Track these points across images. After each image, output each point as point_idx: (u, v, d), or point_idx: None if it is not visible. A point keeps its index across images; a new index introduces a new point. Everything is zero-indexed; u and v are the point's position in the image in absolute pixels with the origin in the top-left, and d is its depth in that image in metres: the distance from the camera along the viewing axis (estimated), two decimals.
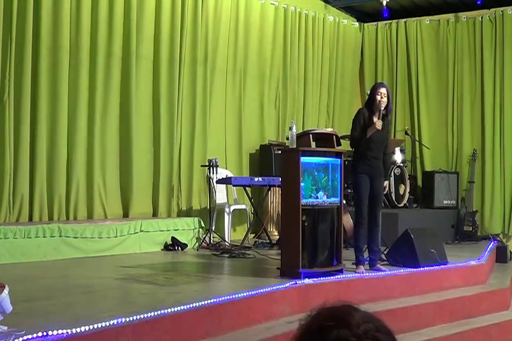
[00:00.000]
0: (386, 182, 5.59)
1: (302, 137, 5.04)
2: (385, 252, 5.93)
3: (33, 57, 6.28)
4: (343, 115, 9.87)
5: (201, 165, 7.54)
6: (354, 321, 1.16)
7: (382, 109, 5.31)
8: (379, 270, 5.37)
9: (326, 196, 4.99)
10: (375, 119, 5.32)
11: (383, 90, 5.39)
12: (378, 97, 5.34)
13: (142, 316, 3.33)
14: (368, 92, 5.64)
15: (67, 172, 6.58)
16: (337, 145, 5.19)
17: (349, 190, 7.80)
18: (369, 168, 5.37)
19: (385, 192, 5.75)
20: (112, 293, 4.28)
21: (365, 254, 5.50)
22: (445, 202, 8.98)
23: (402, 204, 8.48)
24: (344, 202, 6.11)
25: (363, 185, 5.35)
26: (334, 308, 1.22)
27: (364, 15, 10.39)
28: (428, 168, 9.52)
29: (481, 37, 9.33)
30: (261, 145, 8.51)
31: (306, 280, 4.70)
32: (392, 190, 8.37)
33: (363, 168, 5.36)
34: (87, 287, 4.37)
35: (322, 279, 4.82)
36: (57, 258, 5.70)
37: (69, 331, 2.95)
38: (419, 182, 9.57)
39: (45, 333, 2.89)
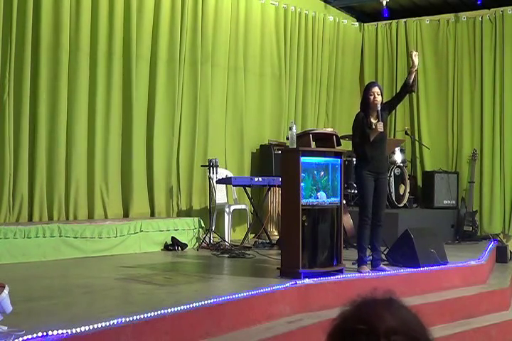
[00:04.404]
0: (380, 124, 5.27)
1: (302, 137, 5.04)
2: (385, 252, 5.93)
3: (33, 57, 6.28)
4: (343, 115, 9.87)
5: (201, 165, 7.54)
6: (384, 328, 1.16)
7: (379, 109, 5.28)
8: (383, 270, 5.37)
9: (325, 195, 4.99)
10: (373, 121, 5.31)
11: (375, 89, 5.34)
12: (371, 97, 5.31)
13: (142, 316, 3.33)
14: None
15: (66, 172, 6.59)
16: (337, 145, 5.19)
17: (349, 190, 7.80)
18: (373, 167, 5.37)
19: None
20: (112, 293, 4.27)
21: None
22: (445, 202, 8.98)
23: (402, 204, 8.47)
24: (344, 202, 6.11)
25: (367, 184, 5.35)
26: (370, 307, 1.22)
27: (364, 15, 10.38)
28: (428, 168, 9.52)
29: (480, 37, 9.33)
30: (261, 145, 8.51)
31: (306, 280, 4.70)
32: (392, 190, 8.37)
33: (368, 167, 5.36)
34: (87, 287, 4.37)
35: (322, 279, 4.82)
36: (57, 258, 5.70)
37: (69, 331, 2.95)
38: (419, 182, 9.57)
39: (45, 333, 2.89)
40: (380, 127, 5.22)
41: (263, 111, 8.76)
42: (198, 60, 7.78)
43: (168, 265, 5.86)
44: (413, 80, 5.37)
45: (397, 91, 5.65)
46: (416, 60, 5.36)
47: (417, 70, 5.45)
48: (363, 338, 1.16)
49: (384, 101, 5.44)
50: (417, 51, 5.52)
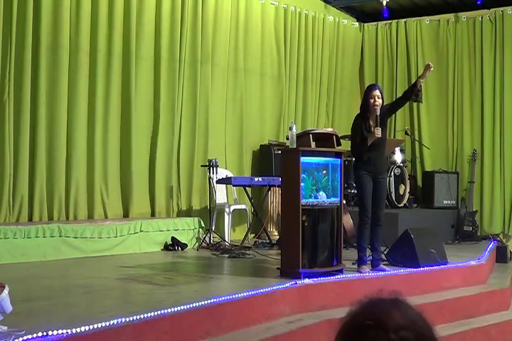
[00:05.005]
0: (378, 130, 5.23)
1: (302, 137, 5.04)
2: (385, 252, 5.93)
3: (33, 57, 6.28)
4: (343, 115, 9.87)
5: (201, 165, 7.55)
6: (393, 324, 1.17)
7: (378, 113, 5.24)
8: (383, 270, 5.37)
9: (325, 195, 4.99)
10: (372, 124, 5.29)
11: (376, 92, 5.28)
12: (371, 101, 5.27)
13: (142, 316, 3.33)
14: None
15: (66, 172, 6.59)
16: (337, 145, 5.19)
17: (349, 190, 7.80)
18: (371, 168, 5.36)
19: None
20: (112, 293, 4.27)
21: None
22: (445, 202, 8.98)
23: (402, 204, 8.47)
24: (344, 202, 6.11)
25: (366, 184, 5.34)
26: (378, 305, 1.23)
27: (364, 15, 10.39)
28: (428, 168, 9.52)
29: (480, 37, 9.33)
30: (261, 145, 8.51)
31: (306, 280, 4.70)
32: (392, 190, 8.37)
33: (366, 168, 5.35)
34: (87, 287, 4.37)
35: (322, 279, 4.81)
36: (57, 258, 5.70)
37: (69, 331, 2.95)
38: (419, 182, 9.57)
39: (45, 333, 2.89)
40: (378, 133, 5.20)
41: (263, 111, 8.76)
42: (198, 60, 7.78)
43: (168, 265, 5.86)
44: (418, 90, 5.31)
45: (397, 93, 5.61)
46: (428, 73, 5.26)
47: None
48: (372, 333, 1.16)
49: (385, 104, 5.42)
50: (431, 64, 5.31)
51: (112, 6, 6.94)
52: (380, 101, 5.29)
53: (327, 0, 9.75)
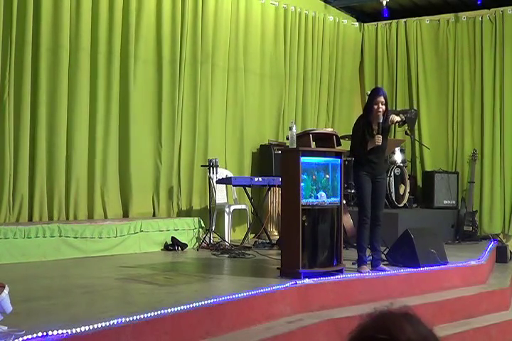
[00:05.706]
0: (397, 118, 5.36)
1: (302, 137, 5.04)
2: (385, 252, 5.93)
3: (33, 57, 6.28)
4: (343, 115, 9.89)
5: (201, 165, 7.55)
6: (405, 338, 1.17)
7: (381, 121, 5.21)
8: (383, 270, 5.36)
9: (325, 195, 4.99)
10: (374, 128, 5.28)
11: (380, 99, 5.22)
12: (375, 107, 5.22)
13: (142, 316, 3.33)
14: (368, 93, 5.57)
15: (66, 172, 6.59)
16: (337, 145, 5.19)
17: (349, 190, 7.80)
18: (370, 169, 5.36)
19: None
20: (112, 293, 4.27)
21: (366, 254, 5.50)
22: (445, 202, 8.98)
23: (402, 204, 8.47)
24: (344, 202, 6.10)
25: (365, 185, 5.33)
26: (389, 319, 1.22)
27: (364, 15, 10.39)
28: (428, 168, 9.52)
29: (480, 37, 9.34)
30: (261, 145, 8.51)
31: (306, 280, 4.70)
32: (392, 190, 8.37)
33: (365, 168, 5.35)
34: (87, 287, 4.37)
35: (322, 279, 4.81)
36: (57, 258, 5.70)
37: (69, 331, 2.95)
38: (419, 182, 9.57)
39: (45, 333, 2.89)
40: (378, 141, 5.19)
41: (263, 111, 8.76)
42: (198, 60, 7.79)
43: (168, 265, 5.86)
44: (397, 123, 5.59)
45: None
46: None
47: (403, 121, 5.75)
48: None
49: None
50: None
51: (112, 6, 6.94)
52: (384, 107, 5.23)
53: (327, 0, 9.75)
